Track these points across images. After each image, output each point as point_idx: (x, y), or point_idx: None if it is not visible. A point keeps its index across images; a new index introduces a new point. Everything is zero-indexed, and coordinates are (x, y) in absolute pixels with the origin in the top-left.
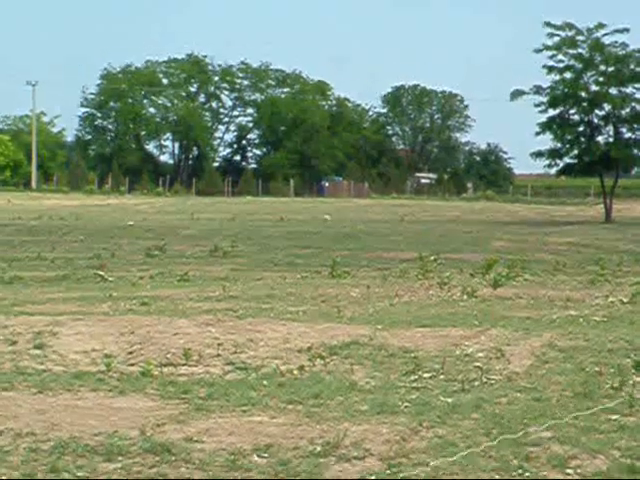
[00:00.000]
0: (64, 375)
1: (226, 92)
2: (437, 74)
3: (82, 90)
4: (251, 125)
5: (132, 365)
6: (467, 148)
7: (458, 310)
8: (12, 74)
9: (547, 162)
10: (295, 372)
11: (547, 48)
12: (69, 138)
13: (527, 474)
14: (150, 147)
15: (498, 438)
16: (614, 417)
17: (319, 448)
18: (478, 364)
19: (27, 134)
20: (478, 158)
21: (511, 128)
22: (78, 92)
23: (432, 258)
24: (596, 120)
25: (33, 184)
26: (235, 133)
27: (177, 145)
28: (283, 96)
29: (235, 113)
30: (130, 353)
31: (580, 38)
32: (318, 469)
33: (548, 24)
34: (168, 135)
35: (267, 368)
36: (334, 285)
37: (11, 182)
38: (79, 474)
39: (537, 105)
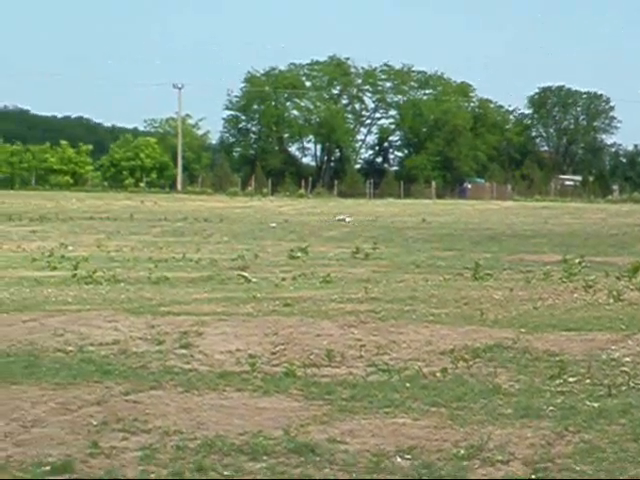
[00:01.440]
0: (209, 375)
1: (368, 94)
2: (583, 75)
3: (227, 93)
4: (393, 127)
5: (276, 365)
6: (613, 150)
7: (604, 314)
8: (159, 77)
9: None
10: (438, 374)
11: None
12: (214, 140)
13: None
14: (293, 149)
15: None
16: None
17: (463, 451)
18: (625, 369)
19: (173, 137)
20: (624, 160)
21: None
22: (223, 95)
23: (577, 261)
24: None
25: (178, 186)
26: (377, 135)
27: (319, 147)
28: (425, 98)
29: (377, 115)
30: (274, 353)
31: None
32: (462, 472)
33: None
34: (310, 137)
35: (410, 370)
36: (477, 287)
37: (157, 184)
38: (225, 473)
39: None
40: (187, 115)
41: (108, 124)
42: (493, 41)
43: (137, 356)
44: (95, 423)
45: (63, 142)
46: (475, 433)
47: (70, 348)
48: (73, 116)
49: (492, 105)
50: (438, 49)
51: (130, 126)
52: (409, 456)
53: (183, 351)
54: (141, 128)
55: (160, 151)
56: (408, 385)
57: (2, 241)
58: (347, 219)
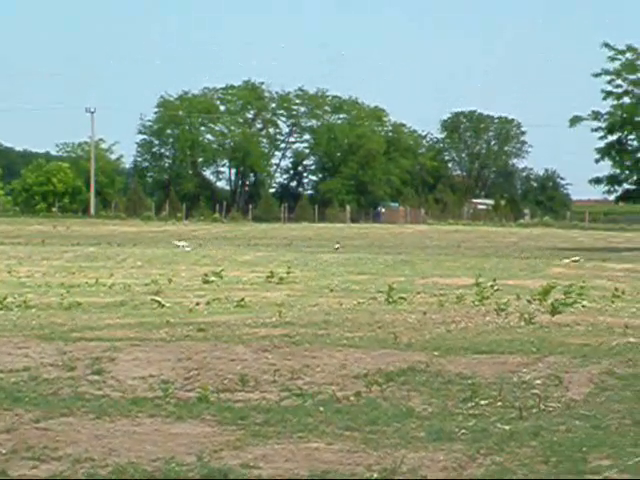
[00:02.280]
0: (122, 401)
1: (283, 118)
2: (495, 100)
3: (140, 117)
4: (307, 151)
5: (189, 391)
6: (524, 174)
7: (515, 337)
8: (71, 101)
9: (606, 188)
10: (352, 398)
11: (606, 73)
12: (127, 165)
13: None
14: (207, 173)
15: (557, 466)
16: None
17: (376, 475)
18: (536, 391)
19: (86, 161)
20: (535, 184)
21: (569, 153)
22: (136, 119)
23: (489, 284)
24: None
25: (91, 210)
26: (291, 159)
27: (234, 171)
28: (339, 122)
29: (292, 139)
30: (187, 379)
31: None
32: None
33: (607, 45)
34: (225, 161)
35: (323, 394)
36: (390, 311)
37: (70, 208)
38: None
39: (595, 130)
40: (100, 139)
41: (19, 148)
42: (407, 65)
43: (48, 383)
44: (4, 451)
45: None
46: (388, 457)
47: None
48: None
49: (405, 129)
50: (352, 74)
51: (42, 150)
52: None
53: (95, 377)
54: (53, 152)
55: (73, 175)
56: (322, 409)
57: None
58: (184, 246)
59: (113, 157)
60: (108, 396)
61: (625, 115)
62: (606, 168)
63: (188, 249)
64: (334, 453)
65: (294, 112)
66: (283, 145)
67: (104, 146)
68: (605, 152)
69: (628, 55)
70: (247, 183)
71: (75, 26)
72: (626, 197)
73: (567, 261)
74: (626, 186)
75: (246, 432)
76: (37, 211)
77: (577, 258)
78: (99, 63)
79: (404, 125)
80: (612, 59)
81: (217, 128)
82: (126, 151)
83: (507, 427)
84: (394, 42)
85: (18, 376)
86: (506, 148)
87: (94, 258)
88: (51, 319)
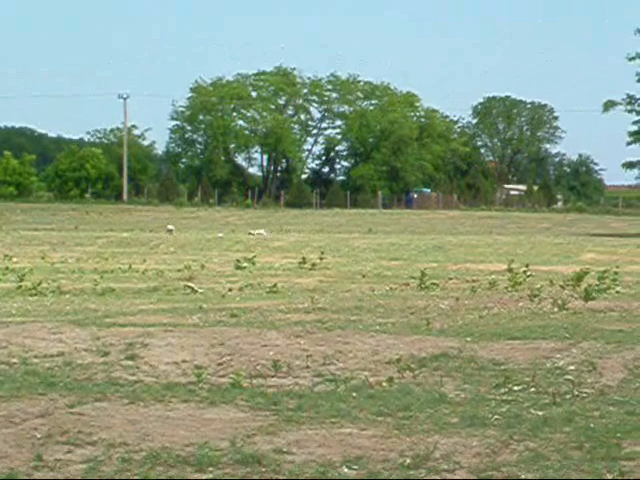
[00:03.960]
0: (155, 386)
1: (315, 104)
2: (527, 85)
3: (172, 103)
4: (339, 137)
5: (222, 376)
6: (557, 159)
7: (549, 322)
8: (104, 87)
9: (639, 172)
10: (384, 384)
11: None
12: (159, 151)
13: None
14: (239, 160)
15: (591, 452)
16: None
17: (409, 460)
18: (569, 377)
19: (118, 147)
20: (568, 169)
21: (603, 138)
22: (168, 105)
23: (522, 270)
24: None
25: (124, 197)
26: (323, 145)
27: (266, 157)
28: (372, 108)
29: (323, 125)
30: (220, 364)
31: None
32: None
33: None
34: (257, 148)
35: (356, 380)
36: (423, 297)
37: (103, 195)
38: None
39: (629, 112)
40: (133, 126)
41: (53, 134)
42: (439, 51)
43: (82, 368)
44: (39, 436)
45: (7, 152)
46: (421, 442)
47: (14, 360)
48: (17, 126)
49: (438, 115)
50: (384, 60)
51: (75, 137)
52: (356, 466)
53: (129, 362)
54: (86, 139)
55: (106, 161)
56: (355, 395)
57: None
58: (261, 234)
59: (145, 143)
60: (141, 381)
61: None
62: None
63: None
64: (367, 438)
65: (326, 98)
66: (315, 131)
67: (137, 132)
68: (638, 135)
69: None
70: (279, 169)
71: (109, 12)
72: None
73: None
74: None
75: (279, 417)
76: (70, 197)
77: None
78: (132, 49)
79: (436, 111)
80: None
81: (249, 114)
82: (158, 137)
83: (540, 413)
84: (426, 27)
85: (52, 361)
86: (539, 133)
87: (127, 244)
88: (85, 305)
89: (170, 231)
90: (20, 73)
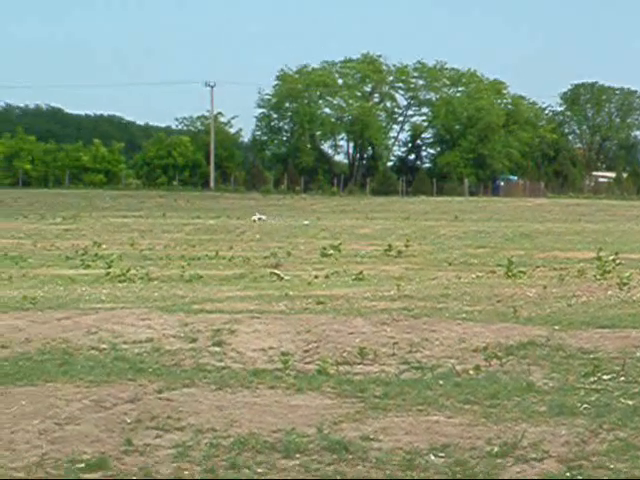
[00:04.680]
0: (242, 372)
1: (401, 92)
2: (616, 71)
3: (258, 91)
4: (426, 124)
5: (308, 363)
6: None
7: (638, 311)
8: (191, 76)
9: None
10: (471, 372)
11: None
12: (246, 139)
13: None
14: (325, 147)
15: None
16: None
17: (496, 449)
18: None
19: (205, 134)
20: None
21: None
22: (255, 93)
23: (611, 258)
24: None
25: (211, 184)
26: (409, 132)
27: (352, 145)
28: (458, 95)
29: (410, 112)
30: (306, 351)
31: None
32: (496, 470)
33: None
34: (343, 135)
35: (443, 368)
36: (510, 285)
37: (190, 182)
38: (259, 470)
39: None
40: (219, 113)
41: (140, 122)
42: (526, 37)
43: (170, 354)
44: (129, 421)
45: (96, 140)
46: (509, 431)
47: (104, 346)
48: (105, 114)
49: (525, 102)
50: (471, 47)
51: (162, 124)
52: (442, 454)
53: (216, 349)
54: (173, 126)
55: (193, 149)
56: (441, 383)
57: (36, 239)
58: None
59: (232, 131)
60: (229, 368)
61: None
62: None
63: (266, 219)
64: (454, 426)
65: (412, 85)
66: (401, 118)
67: (223, 120)
68: None
69: None
70: (365, 157)
71: (199, 1)
72: None
73: None
74: None
75: (365, 405)
76: (158, 184)
77: None
78: (219, 38)
79: (523, 97)
80: None
81: (335, 102)
82: (245, 125)
83: (631, 402)
84: (513, 15)
85: (141, 347)
86: (628, 120)
87: (214, 231)
88: (172, 291)
89: (259, 219)
90: (109, 62)
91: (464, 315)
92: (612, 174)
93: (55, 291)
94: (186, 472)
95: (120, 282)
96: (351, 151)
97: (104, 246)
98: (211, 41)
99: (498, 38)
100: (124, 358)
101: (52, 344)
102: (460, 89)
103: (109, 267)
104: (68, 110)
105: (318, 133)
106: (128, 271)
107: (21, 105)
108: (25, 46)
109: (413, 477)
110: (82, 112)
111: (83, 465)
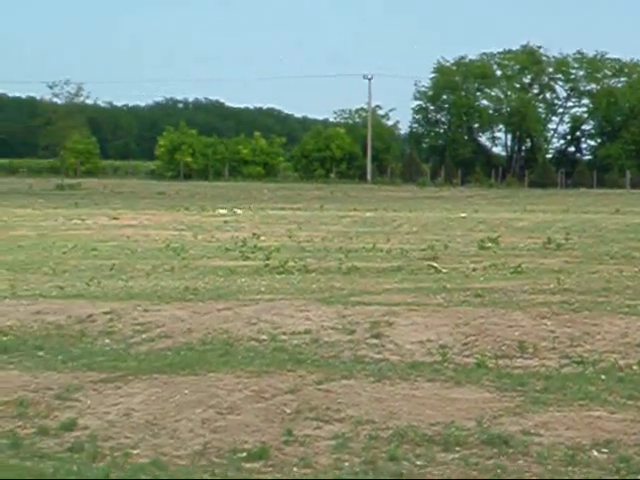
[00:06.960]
0: (401, 365)
1: (560, 83)
2: None
3: (415, 83)
4: (586, 116)
5: (467, 356)
6: None
7: None
8: (348, 69)
9: None
10: (635, 367)
11: None
12: (403, 131)
13: None
14: (482, 139)
15: None
16: None
17: None
18: None
19: (362, 127)
20: None
21: None
22: (411, 85)
23: None
24: None
25: (368, 176)
26: (569, 124)
27: (510, 137)
28: (620, 85)
29: (569, 104)
30: (465, 344)
31: None
32: None
33: None
34: (501, 127)
35: (605, 362)
36: None
37: (347, 174)
38: (418, 463)
39: None
40: (377, 106)
41: (299, 115)
42: None
43: (329, 345)
44: (289, 411)
45: (256, 133)
46: None
47: (263, 337)
48: (265, 107)
49: None
50: (633, 36)
51: (320, 117)
52: (605, 450)
53: (374, 341)
54: (331, 119)
55: (350, 142)
56: (603, 377)
57: (197, 231)
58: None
59: (389, 123)
60: (387, 360)
61: None
62: None
63: (464, 215)
64: (617, 422)
65: (572, 76)
66: (560, 110)
67: (380, 112)
68: None
69: None
70: (523, 149)
71: None
72: None
73: None
74: None
75: (526, 399)
76: (315, 177)
77: None
78: (377, 31)
79: None
80: None
81: (493, 93)
82: (402, 117)
83: None
84: None
85: (300, 338)
86: None
87: (371, 223)
88: (330, 283)
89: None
90: (269, 57)
91: (627, 309)
92: None
93: (215, 282)
94: (346, 463)
95: (278, 274)
96: (509, 143)
97: (263, 238)
98: (368, 34)
99: None
100: (283, 349)
101: (213, 334)
102: (622, 79)
103: (268, 259)
104: (228, 104)
105: (475, 125)
106: (286, 263)
107: (180, 99)
108: (187, 40)
109: (575, 473)
110: (242, 105)
111: (245, 454)
